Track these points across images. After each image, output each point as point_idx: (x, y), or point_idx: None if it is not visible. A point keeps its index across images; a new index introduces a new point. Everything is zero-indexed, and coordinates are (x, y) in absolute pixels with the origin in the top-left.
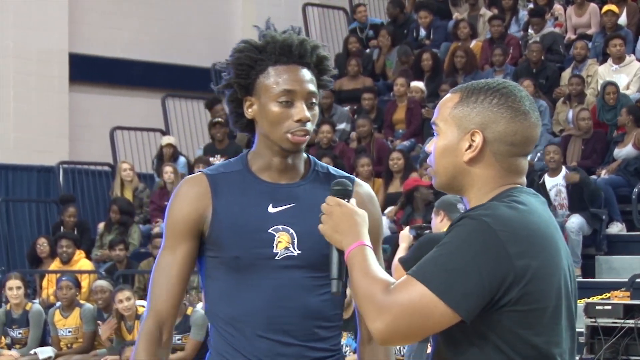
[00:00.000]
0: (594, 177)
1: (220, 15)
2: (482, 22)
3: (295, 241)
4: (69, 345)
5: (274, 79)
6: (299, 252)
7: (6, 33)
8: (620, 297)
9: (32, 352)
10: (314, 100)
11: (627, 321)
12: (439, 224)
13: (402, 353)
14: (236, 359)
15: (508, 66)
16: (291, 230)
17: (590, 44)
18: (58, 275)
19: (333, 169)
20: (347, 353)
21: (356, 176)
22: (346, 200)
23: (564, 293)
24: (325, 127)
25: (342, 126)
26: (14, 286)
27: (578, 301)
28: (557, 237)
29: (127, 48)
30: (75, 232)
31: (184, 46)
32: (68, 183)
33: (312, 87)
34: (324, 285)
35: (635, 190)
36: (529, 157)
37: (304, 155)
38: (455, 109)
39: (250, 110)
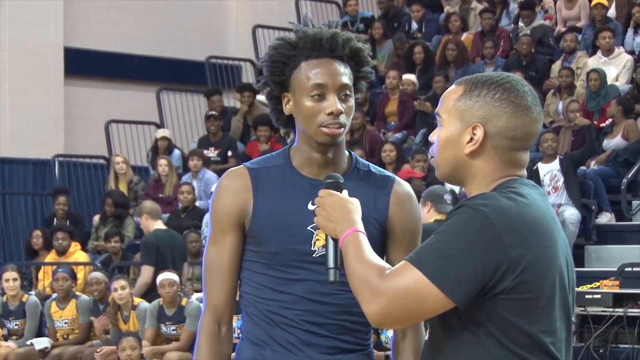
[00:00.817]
0: (583, 167)
1: (215, 10)
2: (473, 15)
3: None
4: (65, 336)
5: (306, 73)
6: None
7: (2, 27)
8: (610, 286)
9: (28, 342)
10: (348, 93)
11: (617, 310)
12: (426, 214)
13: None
14: (269, 346)
15: (499, 59)
16: None
17: (580, 37)
18: (54, 267)
19: (374, 167)
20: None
21: None
22: (339, 192)
23: (559, 284)
24: None
25: None
26: (10, 278)
27: None
28: (555, 229)
29: (122, 42)
30: (68, 224)
31: (178, 40)
32: (64, 176)
33: (344, 79)
34: None
35: (624, 180)
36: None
37: (346, 152)
38: (458, 102)
39: (287, 106)
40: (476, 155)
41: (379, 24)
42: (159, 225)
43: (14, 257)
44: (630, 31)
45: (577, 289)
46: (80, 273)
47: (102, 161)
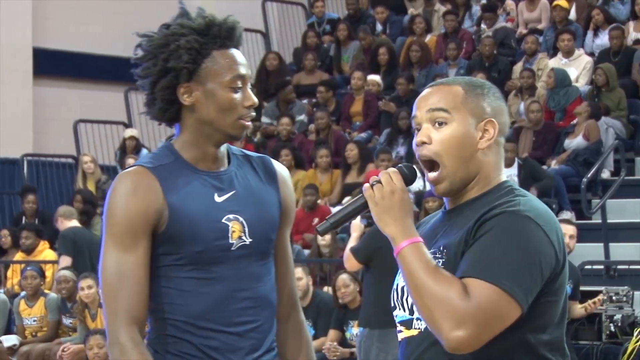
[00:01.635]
0: (544, 167)
1: None
2: (437, 17)
3: (247, 229)
4: (33, 333)
5: (222, 63)
6: (251, 240)
7: None
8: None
9: None
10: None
11: None
12: None
13: None
14: (197, 357)
15: (462, 60)
16: (241, 219)
17: (541, 39)
18: (22, 265)
19: (245, 151)
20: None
21: (315, 167)
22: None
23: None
24: (285, 120)
25: (300, 117)
26: None
27: None
28: None
29: (91, 42)
30: (37, 222)
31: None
32: (32, 175)
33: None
34: (269, 272)
35: (584, 180)
36: None
37: None
38: (466, 99)
39: (188, 97)
40: (488, 150)
41: (344, 26)
42: (74, 223)
43: None
44: (590, 33)
45: None
46: (49, 271)
47: (70, 160)
